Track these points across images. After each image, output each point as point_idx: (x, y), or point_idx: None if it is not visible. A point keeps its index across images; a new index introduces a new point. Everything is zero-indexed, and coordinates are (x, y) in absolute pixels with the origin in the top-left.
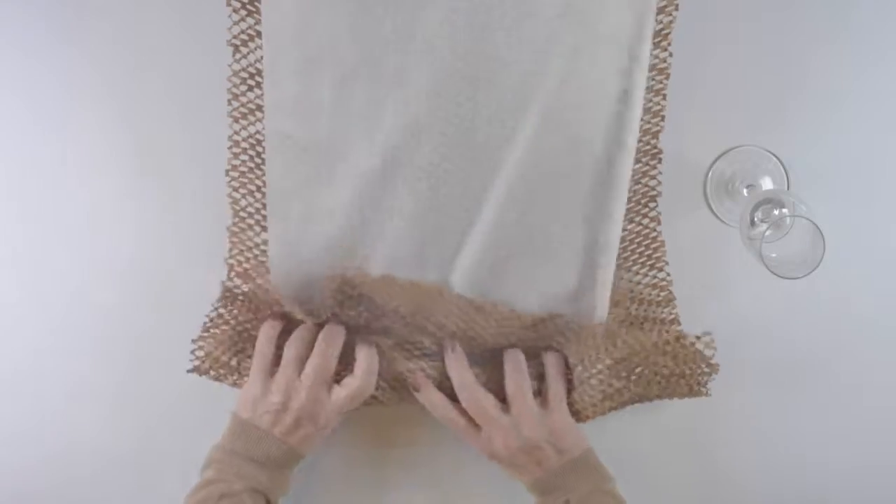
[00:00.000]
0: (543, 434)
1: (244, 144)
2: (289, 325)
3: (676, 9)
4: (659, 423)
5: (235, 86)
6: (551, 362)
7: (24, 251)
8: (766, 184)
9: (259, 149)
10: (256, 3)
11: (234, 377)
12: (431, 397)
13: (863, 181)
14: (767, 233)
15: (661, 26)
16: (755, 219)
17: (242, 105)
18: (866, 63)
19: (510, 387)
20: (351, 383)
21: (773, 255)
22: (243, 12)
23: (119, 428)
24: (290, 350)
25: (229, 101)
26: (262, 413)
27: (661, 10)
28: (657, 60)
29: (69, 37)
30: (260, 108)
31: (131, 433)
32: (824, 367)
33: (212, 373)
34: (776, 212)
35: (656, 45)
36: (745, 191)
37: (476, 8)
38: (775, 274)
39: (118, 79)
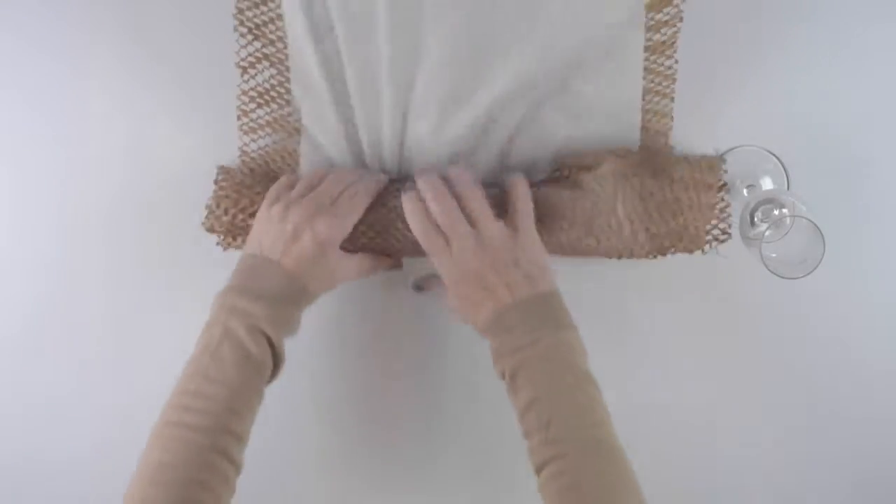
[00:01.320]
0: (513, 254)
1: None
2: None
3: (681, 20)
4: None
5: (245, 104)
6: (516, 183)
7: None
8: (766, 184)
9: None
10: (263, 29)
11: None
12: (413, 205)
13: (863, 181)
14: (767, 233)
15: (665, 38)
16: (755, 219)
17: (252, 121)
18: (867, 63)
19: (468, 203)
20: (353, 188)
21: (773, 255)
22: (250, 37)
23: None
24: (306, 178)
25: (239, 116)
26: (261, 234)
27: (665, 24)
28: (663, 68)
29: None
30: (270, 124)
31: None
32: (824, 365)
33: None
34: (776, 212)
35: (661, 53)
36: (745, 191)
37: None
38: (775, 274)
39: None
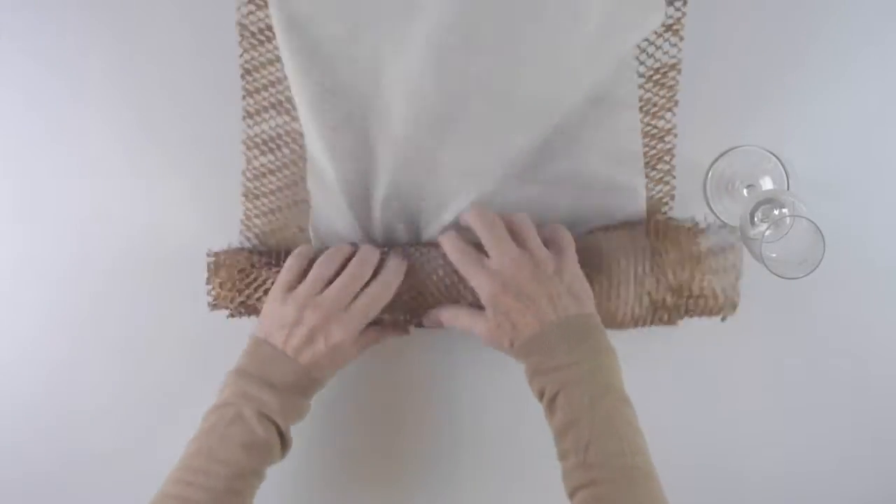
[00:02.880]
0: (557, 266)
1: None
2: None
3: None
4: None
5: (250, 105)
6: (558, 227)
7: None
8: (766, 184)
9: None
10: (267, 33)
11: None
12: (449, 237)
13: (863, 181)
14: (767, 233)
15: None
16: (755, 219)
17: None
18: (867, 63)
19: (517, 223)
20: (370, 290)
21: (773, 255)
22: (254, 41)
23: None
24: (318, 268)
25: (244, 118)
26: (276, 328)
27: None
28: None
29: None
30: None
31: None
32: (824, 367)
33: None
34: (776, 212)
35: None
36: (745, 191)
37: None
38: (775, 274)
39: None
